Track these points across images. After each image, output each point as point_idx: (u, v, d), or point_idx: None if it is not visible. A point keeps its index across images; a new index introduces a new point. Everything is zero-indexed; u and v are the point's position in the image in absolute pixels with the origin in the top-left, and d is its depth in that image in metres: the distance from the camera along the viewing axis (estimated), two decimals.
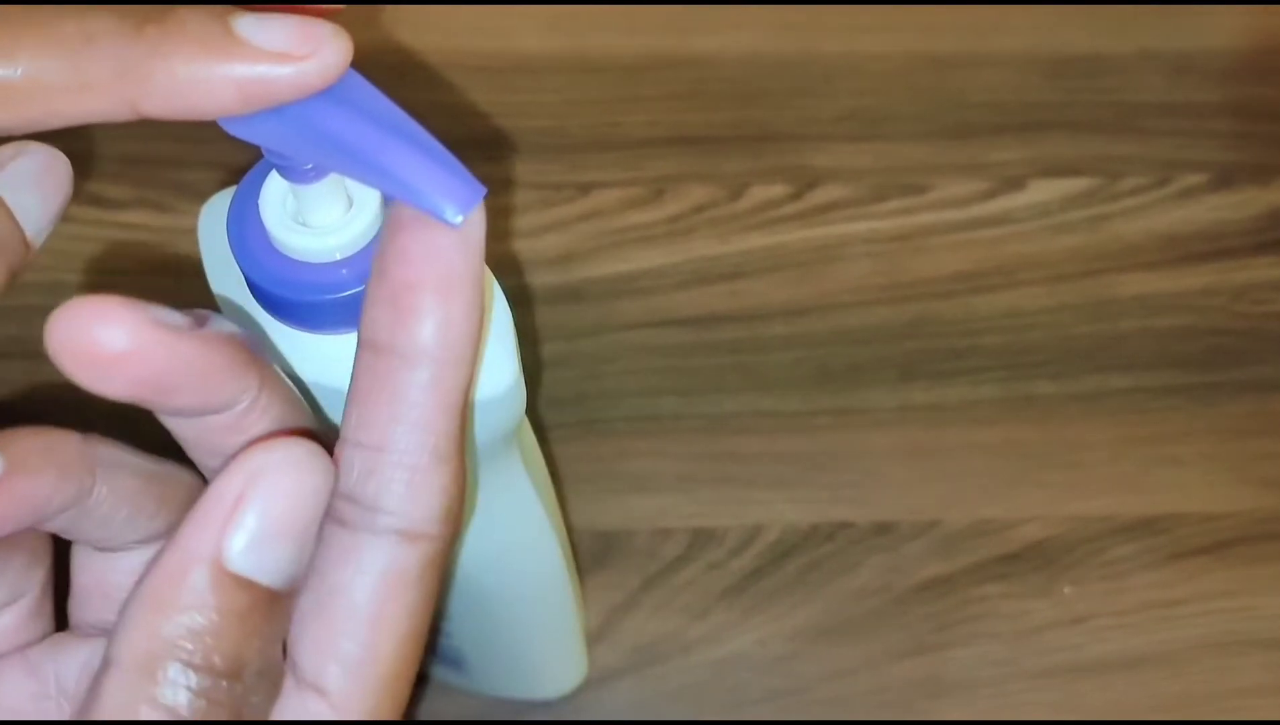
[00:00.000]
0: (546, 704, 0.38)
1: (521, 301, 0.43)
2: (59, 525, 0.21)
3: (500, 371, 0.23)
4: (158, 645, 0.18)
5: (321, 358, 0.22)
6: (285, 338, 0.22)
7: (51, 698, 0.22)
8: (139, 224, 0.44)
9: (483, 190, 0.19)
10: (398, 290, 0.19)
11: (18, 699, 0.22)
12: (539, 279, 0.44)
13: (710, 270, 0.44)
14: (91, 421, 0.20)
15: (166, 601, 0.18)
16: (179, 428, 0.21)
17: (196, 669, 0.18)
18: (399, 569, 0.20)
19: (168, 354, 0.18)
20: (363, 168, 0.19)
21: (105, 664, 0.19)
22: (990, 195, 0.46)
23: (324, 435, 0.20)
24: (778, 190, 0.45)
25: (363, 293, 0.20)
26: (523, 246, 0.44)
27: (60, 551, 0.23)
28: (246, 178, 0.21)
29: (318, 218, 0.21)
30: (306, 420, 0.21)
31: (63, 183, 0.22)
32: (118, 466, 0.21)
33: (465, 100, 0.47)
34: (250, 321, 0.22)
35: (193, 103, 0.19)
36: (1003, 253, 0.45)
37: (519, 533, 0.29)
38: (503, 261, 0.44)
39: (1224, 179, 0.46)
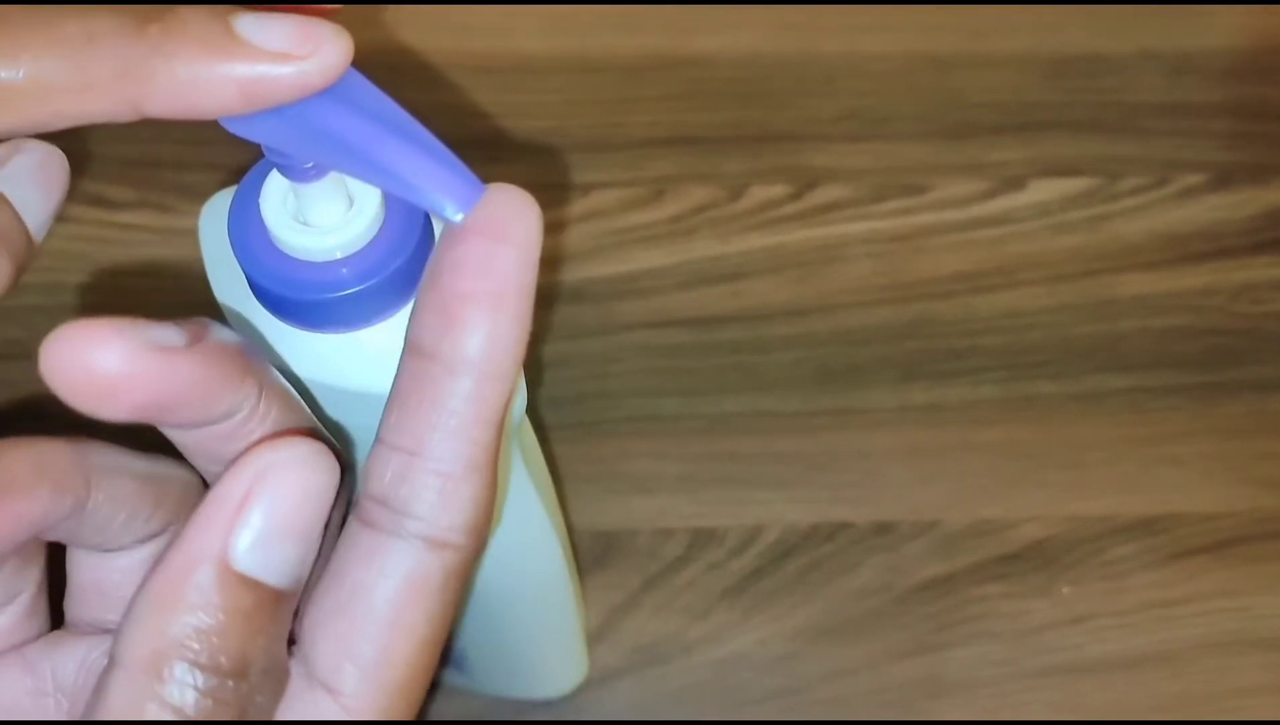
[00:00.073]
0: (547, 704, 0.38)
1: None
2: (56, 535, 0.21)
3: None
4: (163, 645, 0.18)
5: (322, 356, 0.22)
6: (285, 336, 0.22)
7: (49, 694, 0.22)
8: (139, 225, 0.44)
9: (483, 188, 0.19)
10: (448, 299, 0.19)
11: (16, 696, 0.22)
12: (539, 279, 0.43)
13: (711, 271, 0.44)
14: (92, 421, 0.20)
15: (172, 601, 0.18)
16: (179, 437, 0.20)
17: (202, 668, 0.18)
18: (422, 575, 0.20)
19: (165, 375, 0.18)
20: (364, 166, 0.19)
21: (110, 663, 0.19)
22: (990, 195, 0.46)
23: (324, 436, 0.20)
24: (778, 190, 0.45)
25: (362, 292, 0.20)
26: None
27: (55, 549, 0.23)
28: (247, 177, 0.22)
29: (318, 216, 0.21)
30: (306, 423, 0.21)
31: (61, 178, 0.22)
32: (114, 471, 0.21)
33: (466, 100, 0.47)
34: (250, 324, 0.22)
35: (194, 102, 0.19)
36: (1003, 253, 0.45)
37: (519, 533, 0.29)
38: None
39: (1223, 179, 0.46)
